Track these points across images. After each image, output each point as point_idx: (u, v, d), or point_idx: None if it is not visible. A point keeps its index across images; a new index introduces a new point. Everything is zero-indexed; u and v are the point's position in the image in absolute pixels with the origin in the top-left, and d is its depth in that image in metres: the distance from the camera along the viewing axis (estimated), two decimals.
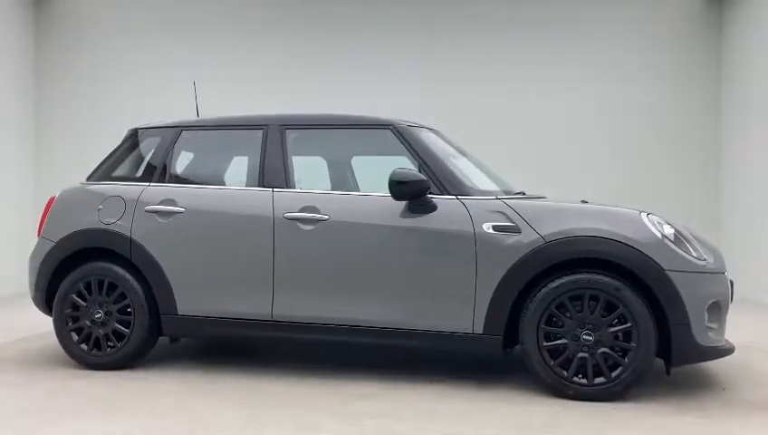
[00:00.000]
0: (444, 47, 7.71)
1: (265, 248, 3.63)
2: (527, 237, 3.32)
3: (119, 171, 4.11)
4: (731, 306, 3.47)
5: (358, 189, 4.22)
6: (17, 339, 4.74)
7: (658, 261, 3.18)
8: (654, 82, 7.63)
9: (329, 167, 4.24)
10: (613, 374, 3.21)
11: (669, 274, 3.17)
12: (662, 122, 7.60)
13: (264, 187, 3.75)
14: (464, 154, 4.33)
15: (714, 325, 3.30)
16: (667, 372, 3.33)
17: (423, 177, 3.40)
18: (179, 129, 4.08)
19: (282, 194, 3.69)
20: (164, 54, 7.78)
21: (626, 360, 3.19)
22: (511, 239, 3.34)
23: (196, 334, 3.87)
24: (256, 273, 3.65)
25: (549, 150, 7.52)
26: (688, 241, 3.36)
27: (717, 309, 3.31)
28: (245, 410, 3.06)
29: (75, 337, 3.89)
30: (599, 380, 3.22)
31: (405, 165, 3.67)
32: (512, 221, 3.36)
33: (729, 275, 3.58)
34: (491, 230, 3.37)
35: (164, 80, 7.64)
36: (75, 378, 3.67)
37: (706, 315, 3.25)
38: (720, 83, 7.60)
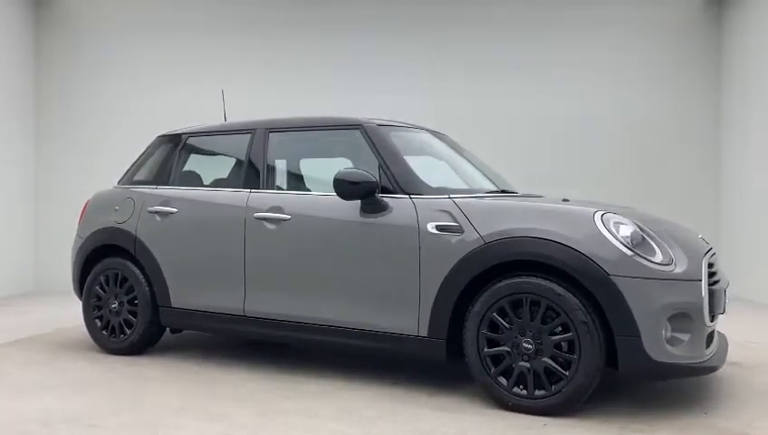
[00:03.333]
0: (444, 48, 7.74)
1: (238, 247, 3.81)
2: (469, 238, 3.16)
3: (139, 175, 4.53)
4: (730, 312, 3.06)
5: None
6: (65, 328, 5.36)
7: (602, 265, 2.87)
8: (654, 83, 7.59)
9: (307, 167, 4.32)
10: (554, 387, 2.95)
11: (614, 279, 2.85)
12: (662, 123, 7.57)
13: (245, 188, 3.94)
14: (460, 154, 4.23)
15: (684, 338, 2.92)
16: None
17: (370, 177, 3.36)
18: (186, 135, 4.41)
19: (256, 195, 3.85)
20: (164, 55, 7.85)
21: (567, 372, 2.92)
22: (453, 239, 3.20)
23: (188, 327, 4.14)
24: (231, 270, 3.84)
25: (549, 151, 7.53)
26: (657, 244, 2.99)
27: (687, 320, 2.91)
28: (186, 399, 3.25)
29: (99, 324, 4.36)
30: (539, 392, 2.98)
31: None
32: (456, 221, 3.22)
33: (724, 282, 3.15)
34: (434, 230, 3.26)
35: (165, 81, 7.79)
36: (88, 360, 4.11)
37: (668, 326, 2.88)
38: (720, 84, 7.55)
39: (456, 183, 3.80)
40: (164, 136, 4.57)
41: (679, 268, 2.93)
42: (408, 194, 3.41)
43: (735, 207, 7.30)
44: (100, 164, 7.55)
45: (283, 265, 3.68)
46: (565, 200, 3.64)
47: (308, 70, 7.69)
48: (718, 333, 3.76)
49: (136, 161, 4.65)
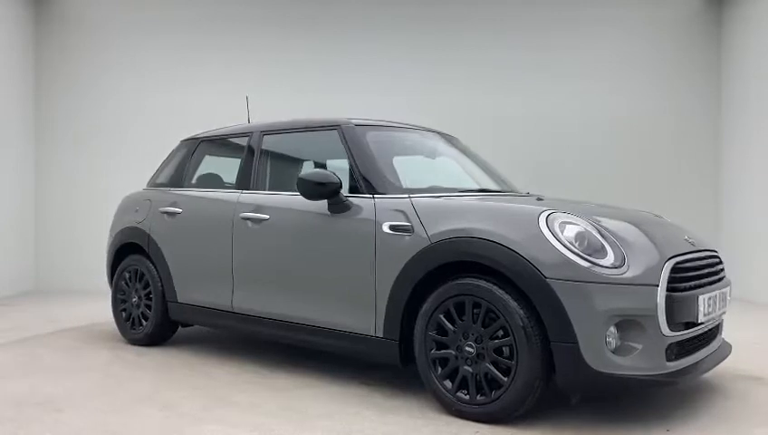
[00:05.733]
0: (443, 49, 7.70)
1: (227, 246, 3.97)
2: (418, 238, 3.11)
3: (160, 178, 4.82)
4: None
5: None
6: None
7: (539, 267, 2.71)
8: (654, 83, 7.61)
9: (293, 168, 4.38)
10: (494, 393, 2.84)
11: (551, 282, 2.68)
12: (662, 122, 7.58)
13: (238, 189, 4.09)
14: (461, 154, 4.20)
15: (637, 347, 2.70)
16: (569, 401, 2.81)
17: (333, 177, 3.38)
18: (199, 140, 4.65)
19: (245, 195, 4.00)
20: (164, 55, 7.80)
21: (506, 378, 2.79)
22: (404, 240, 3.16)
23: (192, 321, 4.35)
24: (223, 268, 4.00)
25: (549, 151, 7.56)
26: (612, 245, 2.78)
27: (638, 329, 2.69)
28: (158, 389, 3.44)
29: (123, 316, 4.70)
30: (481, 398, 2.88)
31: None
32: (408, 220, 3.17)
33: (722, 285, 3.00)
34: (388, 230, 3.23)
35: (164, 81, 7.76)
36: (111, 350, 4.44)
37: (615, 335, 2.68)
38: (720, 83, 7.59)
39: (434, 182, 3.72)
40: (185, 140, 4.84)
41: (632, 272, 2.71)
42: (372, 194, 3.40)
43: (735, 207, 7.33)
44: (100, 163, 7.75)
45: (262, 264, 3.80)
46: (539, 199, 3.48)
47: (308, 70, 7.68)
48: (724, 341, 3.47)
49: (160, 165, 4.95)
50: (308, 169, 3.46)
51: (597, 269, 2.68)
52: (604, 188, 7.25)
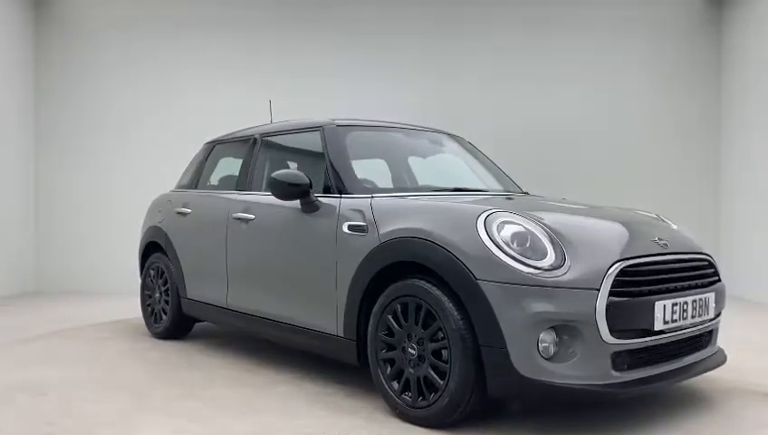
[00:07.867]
0: (443, 49, 7.68)
1: (222, 245, 4.13)
2: (371, 238, 3.10)
3: (183, 180, 5.08)
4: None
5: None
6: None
7: (470, 267, 2.63)
8: (654, 83, 7.62)
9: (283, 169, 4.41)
10: (431, 397, 2.77)
11: (481, 283, 2.59)
12: (662, 122, 7.60)
13: (237, 190, 4.24)
14: (463, 153, 4.17)
15: (576, 354, 2.55)
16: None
17: (303, 178, 3.42)
18: (215, 142, 4.85)
19: (239, 196, 4.14)
20: (164, 56, 7.73)
21: (442, 382, 2.72)
22: (360, 240, 3.15)
23: (199, 317, 4.53)
24: (219, 266, 4.16)
25: (549, 151, 7.54)
26: (554, 246, 2.64)
27: (575, 335, 2.54)
28: (145, 380, 3.65)
29: (149, 311, 4.99)
30: (421, 401, 2.82)
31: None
32: (365, 220, 3.17)
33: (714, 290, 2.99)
34: (347, 230, 3.24)
35: (164, 81, 7.69)
36: (134, 342, 4.73)
37: (551, 339, 2.55)
38: (720, 83, 7.59)
39: (418, 182, 3.69)
40: (206, 143, 5.06)
41: (571, 275, 2.56)
42: (340, 194, 3.42)
43: (735, 207, 7.36)
44: (100, 164, 7.74)
45: (249, 262, 3.92)
46: (509, 199, 3.37)
47: (308, 71, 7.63)
48: (719, 349, 3.22)
49: (186, 167, 5.21)
50: (278, 171, 3.51)
51: (530, 271, 2.56)
52: (604, 187, 7.23)
